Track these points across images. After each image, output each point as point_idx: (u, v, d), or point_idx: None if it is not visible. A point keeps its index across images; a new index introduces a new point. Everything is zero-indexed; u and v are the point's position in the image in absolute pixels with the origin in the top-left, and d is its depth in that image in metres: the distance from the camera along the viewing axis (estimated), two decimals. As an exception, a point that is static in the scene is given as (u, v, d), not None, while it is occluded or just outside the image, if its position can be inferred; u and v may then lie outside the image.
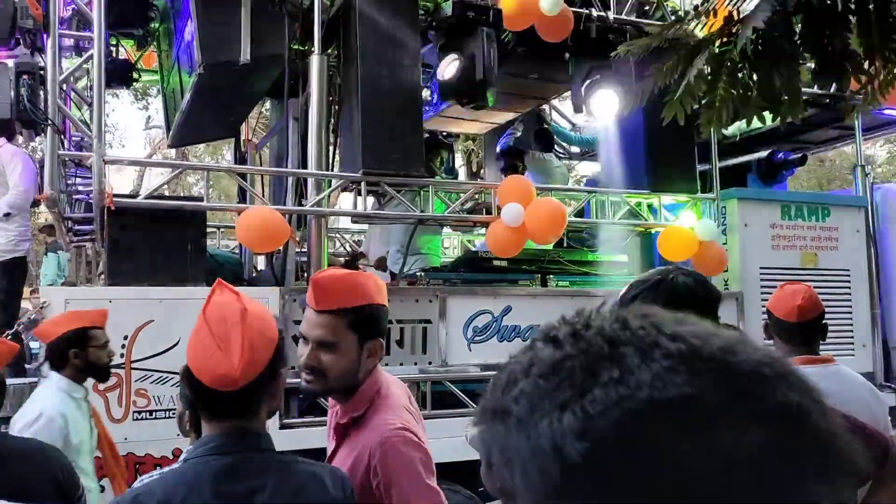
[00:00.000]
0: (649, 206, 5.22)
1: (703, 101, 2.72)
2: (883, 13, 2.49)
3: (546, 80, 5.60)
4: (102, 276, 4.23)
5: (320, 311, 1.81)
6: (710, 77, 2.65)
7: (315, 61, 4.36)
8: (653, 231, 5.38)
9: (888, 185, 6.34)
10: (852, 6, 2.52)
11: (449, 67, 4.64)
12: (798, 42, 2.62)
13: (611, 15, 4.92)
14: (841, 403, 2.07)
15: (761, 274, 5.44)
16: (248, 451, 1.45)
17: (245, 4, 4.29)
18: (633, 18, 5.06)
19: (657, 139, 5.13)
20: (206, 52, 4.21)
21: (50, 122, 3.64)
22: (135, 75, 5.22)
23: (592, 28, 4.85)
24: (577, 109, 5.14)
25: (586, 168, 10.49)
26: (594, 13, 4.90)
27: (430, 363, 4.40)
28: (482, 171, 8.71)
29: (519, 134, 6.21)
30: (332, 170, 4.46)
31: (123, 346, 3.73)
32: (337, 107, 4.95)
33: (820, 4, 2.46)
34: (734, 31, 2.53)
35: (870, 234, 5.94)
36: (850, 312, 5.78)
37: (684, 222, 5.17)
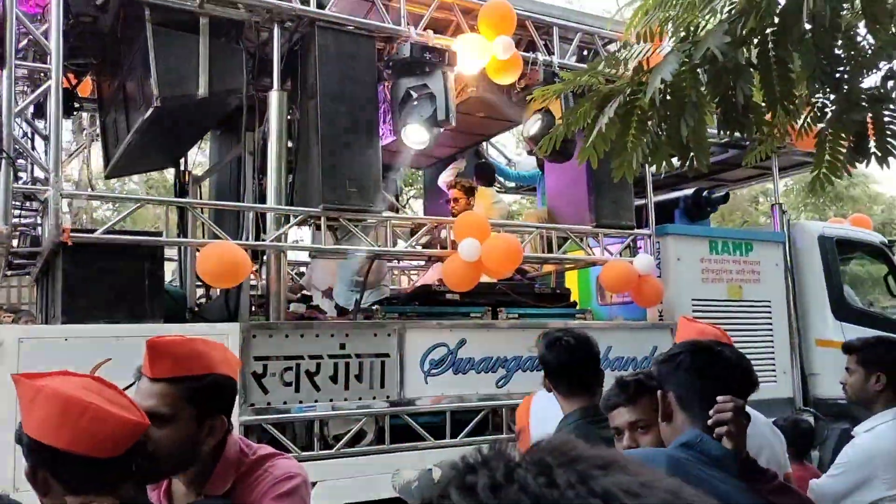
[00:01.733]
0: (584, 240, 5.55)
1: (615, 147, 2.85)
2: (783, 69, 2.61)
3: (492, 119, 5.87)
4: (48, 313, 4.14)
5: (154, 380, 1.66)
6: (620, 124, 2.77)
7: (274, 97, 4.46)
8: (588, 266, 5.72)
9: (803, 223, 6.94)
10: (755, 61, 2.67)
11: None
12: (704, 93, 2.73)
13: (555, 59, 5.25)
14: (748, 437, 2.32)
15: (693, 305, 5.84)
16: None
17: (203, 39, 4.36)
18: (573, 63, 5.41)
19: (598, 176, 5.47)
20: (165, 85, 4.24)
21: (5, 154, 3.58)
22: (75, 104, 5.15)
23: (539, 72, 5.16)
24: (530, 151, 5.44)
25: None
26: (540, 57, 5.21)
27: (387, 397, 4.51)
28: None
29: (462, 169, 6.45)
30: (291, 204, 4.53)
31: (79, 385, 3.67)
32: (290, 142, 5.05)
33: (725, 59, 2.57)
34: (644, 80, 2.67)
35: (787, 268, 6.48)
36: (772, 341, 6.27)
37: (619, 257, 5.52)
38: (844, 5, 2.62)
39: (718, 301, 5.98)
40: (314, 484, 3.62)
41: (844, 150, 2.88)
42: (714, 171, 7.61)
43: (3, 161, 3.59)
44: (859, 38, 2.80)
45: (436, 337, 4.67)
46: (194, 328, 4.06)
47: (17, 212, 4.59)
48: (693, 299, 5.85)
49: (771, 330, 6.28)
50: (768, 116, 2.83)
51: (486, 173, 6.75)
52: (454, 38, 4.92)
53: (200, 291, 5.62)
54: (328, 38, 4.55)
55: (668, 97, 2.68)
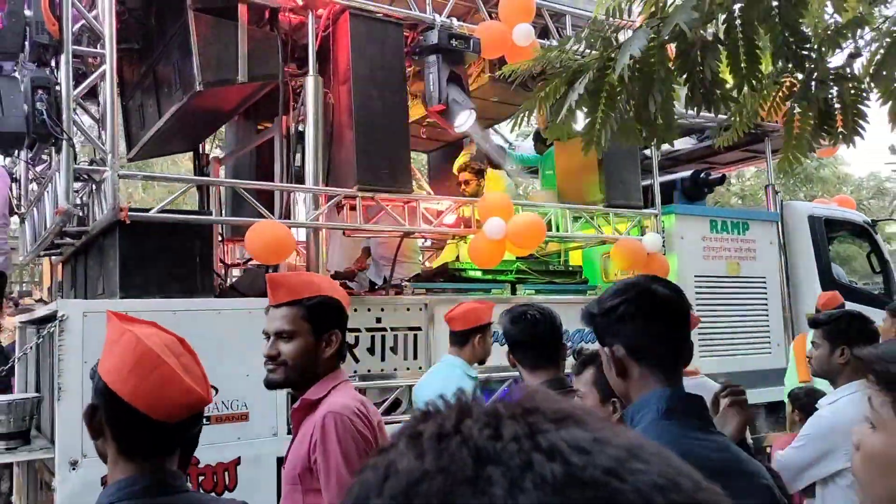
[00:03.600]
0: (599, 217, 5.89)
1: (584, 124, 2.86)
2: (750, 46, 2.61)
3: (505, 104, 6.15)
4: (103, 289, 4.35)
5: (277, 305, 2.04)
6: (590, 100, 2.77)
7: (310, 82, 4.68)
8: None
9: (794, 203, 7.37)
10: (722, 37, 2.66)
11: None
12: (672, 69, 2.73)
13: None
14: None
15: (695, 281, 6.23)
16: (179, 492, 1.45)
17: (241, 26, 4.56)
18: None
19: (608, 158, 5.79)
20: (207, 70, 4.45)
21: (66, 136, 3.78)
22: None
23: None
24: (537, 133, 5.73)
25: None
26: (555, 44, 5.49)
27: (419, 367, 4.80)
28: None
29: (473, 153, 6.73)
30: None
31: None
32: (303, 127, 5.29)
33: (692, 35, 2.55)
34: (613, 56, 2.66)
35: (781, 246, 6.90)
36: (767, 315, 6.69)
37: (628, 235, 5.87)
38: None
39: (718, 277, 6.37)
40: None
41: (811, 129, 2.90)
42: (708, 154, 8.00)
43: (65, 143, 3.78)
44: (826, 16, 2.87)
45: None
46: (238, 302, 4.30)
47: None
48: (695, 276, 6.23)
49: (766, 304, 6.70)
50: (735, 93, 2.86)
51: (487, 158, 7.02)
52: (476, 25, 5.17)
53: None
54: (359, 25, 4.78)
55: (637, 73, 2.69)
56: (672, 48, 2.77)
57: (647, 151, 6.36)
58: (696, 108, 2.79)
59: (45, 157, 5.72)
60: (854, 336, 2.84)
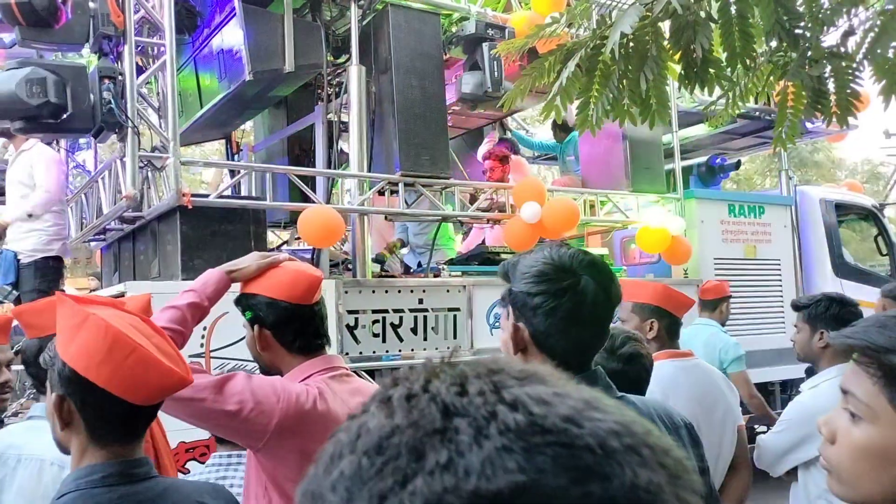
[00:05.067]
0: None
1: (578, 102, 2.82)
2: (743, 24, 2.58)
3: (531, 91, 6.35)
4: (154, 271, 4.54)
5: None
6: (584, 78, 2.74)
7: (354, 71, 4.88)
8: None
9: (806, 188, 7.64)
10: (715, 14, 2.62)
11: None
12: (665, 47, 2.70)
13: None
14: (702, 394, 2.71)
15: (715, 263, 6.49)
16: (149, 478, 1.42)
17: (288, 16, 4.75)
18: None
19: (633, 145, 6.03)
20: (256, 60, 4.63)
21: (131, 124, 3.97)
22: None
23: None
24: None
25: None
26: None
27: (459, 347, 5.03)
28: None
29: (496, 140, 6.95)
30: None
31: (203, 337, 4.11)
32: (338, 116, 5.49)
33: (685, 11, 2.53)
34: (606, 34, 2.61)
35: (794, 229, 7.18)
36: (781, 296, 6.97)
37: (653, 219, 6.11)
38: None
39: (736, 259, 6.64)
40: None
41: (804, 108, 2.87)
42: (721, 141, 8.27)
43: (130, 131, 3.97)
44: None
45: (498, 293, 5.18)
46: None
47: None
48: (714, 258, 6.49)
49: (780, 286, 6.98)
50: (728, 71, 2.84)
51: (511, 146, 7.25)
52: (509, 15, 5.38)
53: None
54: (400, 15, 4.98)
55: (629, 51, 2.67)
56: (666, 27, 2.76)
57: (667, 137, 6.60)
58: (689, 87, 2.78)
59: (82, 144, 5.90)
60: (832, 319, 2.77)
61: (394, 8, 4.94)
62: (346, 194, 4.92)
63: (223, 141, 6.59)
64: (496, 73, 5.21)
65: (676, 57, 2.77)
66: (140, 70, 4.37)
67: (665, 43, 2.72)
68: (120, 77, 3.99)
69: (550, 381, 0.46)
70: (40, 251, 4.79)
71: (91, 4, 3.99)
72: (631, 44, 2.66)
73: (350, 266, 5.29)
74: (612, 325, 1.53)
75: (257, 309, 1.90)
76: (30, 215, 4.74)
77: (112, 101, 3.86)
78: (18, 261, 4.77)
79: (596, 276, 1.42)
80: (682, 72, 2.79)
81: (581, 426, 0.42)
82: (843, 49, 2.81)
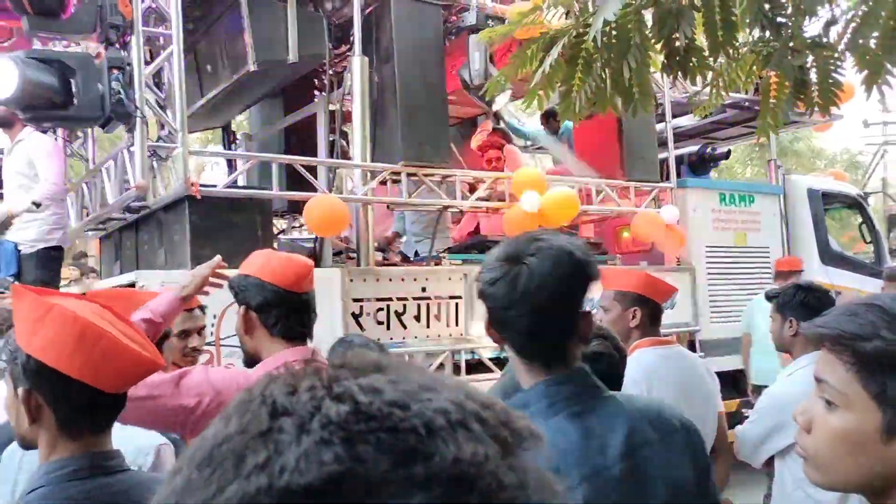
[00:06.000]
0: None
1: (561, 91, 2.81)
2: (726, 13, 2.57)
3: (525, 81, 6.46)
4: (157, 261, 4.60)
5: None
6: (567, 67, 2.72)
7: (357, 61, 4.94)
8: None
9: (794, 177, 7.84)
10: (697, 3, 2.61)
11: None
12: (649, 35, 2.69)
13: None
14: (684, 381, 2.73)
15: (706, 251, 6.66)
16: (119, 471, 1.41)
17: (291, 6, 4.81)
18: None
19: (628, 135, 6.17)
20: (261, 50, 4.70)
21: (140, 114, 4.02)
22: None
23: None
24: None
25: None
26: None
27: (461, 334, 5.15)
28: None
29: (490, 130, 7.05)
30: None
31: (213, 325, 4.19)
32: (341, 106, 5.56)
33: (668, 0, 2.52)
34: (589, 23, 2.60)
35: (783, 217, 7.37)
36: (771, 283, 7.15)
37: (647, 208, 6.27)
38: None
39: (727, 247, 6.81)
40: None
41: (786, 97, 2.88)
42: (709, 130, 8.45)
43: (139, 121, 4.02)
44: None
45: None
46: (301, 274, 4.59)
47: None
48: (706, 246, 6.66)
49: (770, 273, 7.16)
50: (711, 61, 2.85)
51: (504, 135, 7.35)
52: (507, 7, 5.47)
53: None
54: (402, 6, 5.05)
55: (613, 39, 2.66)
56: (650, 15, 2.76)
57: (660, 126, 6.75)
58: (672, 76, 2.89)
59: (79, 134, 5.92)
60: (801, 307, 2.78)
61: (396, -1, 5.02)
62: (349, 182, 5.00)
63: (219, 130, 6.63)
64: (484, 63, 5.29)
65: (659, 46, 2.78)
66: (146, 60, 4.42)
67: (648, 32, 2.73)
68: (128, 67, 4.04)
69: (396, 371, 0.45)
70: (41, 241, 4.81)
71: (99, -6, 4.02)
72: (614, 32, 2.65)
73: (351, 255, 5.38)
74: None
75: (246, 290, 1.96)
76: (38, 205, 4.74)
77: (121, 92, 3.91)
78: (19, 251, 4.80)
79: (542, 260, 1.31)
80: (665, 61, 2.81)
81: (407, 408, 0.42)
82: (825, 39, 2.84)
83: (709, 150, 7.52)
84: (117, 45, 4.18)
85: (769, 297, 3.22)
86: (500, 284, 1.31)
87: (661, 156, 6.81)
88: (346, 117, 5.45)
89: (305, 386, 0.44)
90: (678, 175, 7.15)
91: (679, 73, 2.84)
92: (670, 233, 6.12)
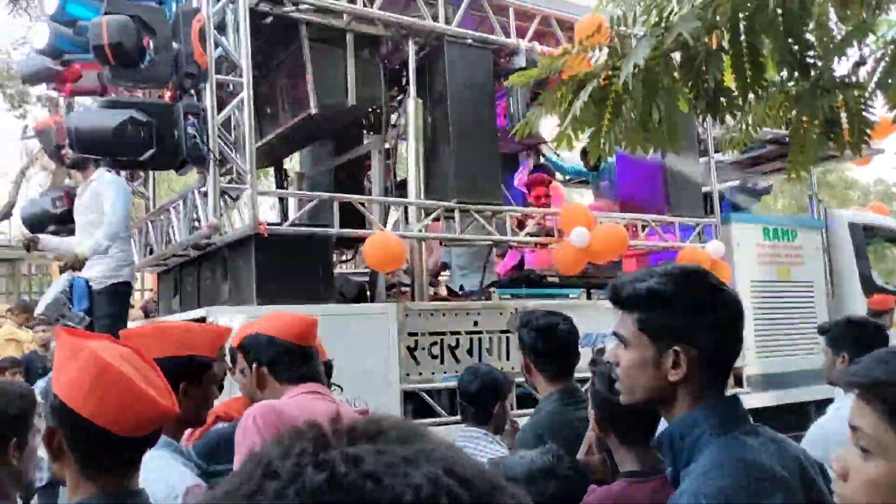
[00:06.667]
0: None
1: (590, 131, 2.88)
2: (754, 54, 2.62)
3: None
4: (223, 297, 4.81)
5: None
6: (595, 108, 2.79)
7: (411, 104, 5.18)
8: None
9: (835, 211, 7.92)
10: (725, 45, 2.68)
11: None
12: (677, 78, 2.75)
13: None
14: None
15: (751, 286, 6.75)
16: None
17: (350, 53, 5.06)
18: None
19: (672, 170, 6.31)
20: (321, 94, 4.94)
21: (213, 156, 4.27)
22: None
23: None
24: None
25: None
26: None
27: (512, 368, 5.28)
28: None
29: (532, 167, 7.24)
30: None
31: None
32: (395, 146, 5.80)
33: (696, 43, 2.59)
34: (618, 65, 2.70)
35: (825, 251, 7.44)
36: (815, 318, 7.20)
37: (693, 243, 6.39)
38: None
39: (771, 282, 6.90)
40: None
41: (817, 137, 2.92)
42: (749, 165, 8.57)
43: (212, 164, 4.27)
44: (830, 24, 2.87)
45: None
46: (360, 308, 4.79)
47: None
48: (751, 280, 6.75)
49: (813, 307, 7.22)
50: (740, 101, 2.90)
51: (546, 170, 7.54)
52: (554, 49, 5.69)
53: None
54: (455, 50, 5.29)
55: (641, 82, 2.71)
56: (677, 56, 2.82)
57: (703, 160, 6.89)
58: (701, 117, 2.96)
59: (140, 174, 6.20)
60: (853, 342, 2.79)
61: (449, 43, 5.25)
62: (394, 216, 5.20)
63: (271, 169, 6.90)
64: (522, 104, 5.47)
65: (688, 88, 2.84)
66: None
67: (676, 73, 2.80)
68: (202, 113, 4.29)
69: (390, 438, 0.47)
70: (111, 277, 5.04)
71: (174, 45, 4.29)
72: (642, 75, 2.71)
73: (402, 289, 5.57)
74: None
75: (258, 347, 2.23)
76: (107, 248, 4.96)
77: (197, 137, 4.15)
78: (90, 287, 5.04)
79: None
80: (694, 101, 2.88)
81: (380, 482, 0.43)
82: (854, 78, 2.91)
83: (750, 184, 7.64)
84: (191, 92, 4.44)
85: (822, 331, 3.25)
86: None
87: (706, 190, 6.95)
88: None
89: (296, 450, 0.47)
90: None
91: (708, 113, 2.93)
92: (716, 268, 6.22)
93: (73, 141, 4.26)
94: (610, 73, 2.78)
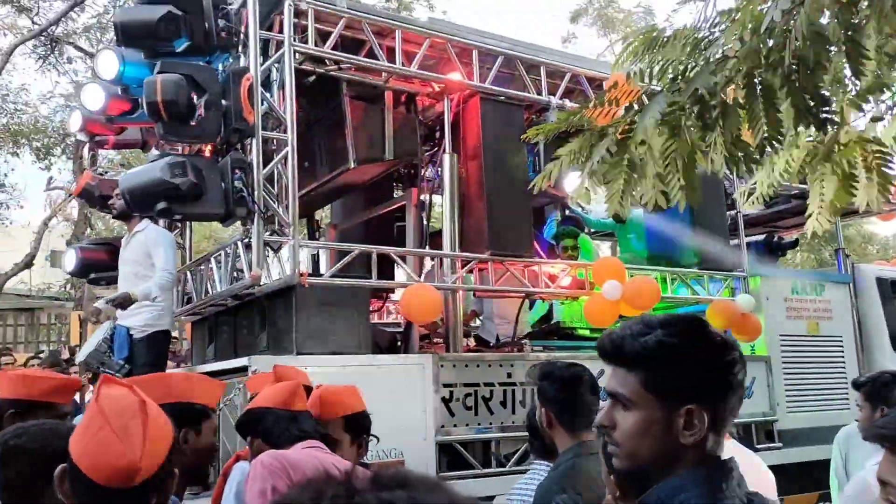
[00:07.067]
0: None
1: (607, 184, 2.88)
2: (769, 107, 2.62)
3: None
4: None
5: None
6: (613, 162, 2.81)
7: (446, 159, 5.34)
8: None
9: (863, 266, 7.97)
10: (741, 100, 2.68)
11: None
12: (694, 132, 2.74)
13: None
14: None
15: (780, 340, 6.77)
16: None
17: (388, 110, 5.26)
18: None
19: (701, 224, 6.42)
20: (360, 149, 5.12)
21: (258, 209, 4.41)
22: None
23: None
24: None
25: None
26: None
27: (545, 420, 5.31)
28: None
29: (559, 219, 7.38)
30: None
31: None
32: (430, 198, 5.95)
33: (711, 98, 2.60)
34: (635, 119, 2.72)
35: (853, 306, 7.47)
36: (844, 372, 7.20)
37: (723, 296, 6.45)
38: (831, 48, 2.61)
39: (800, 336, 6.92)
40: (491, 498, 4.43)
41: (835, 191, 2.93)
42: (774, 219, 8.67)
43: (257, 216, 4.41)
44: (846, 80, 2.87)
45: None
46: (396, 358, 4.87)
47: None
48: (780, 335, 6.78)
49: (843, 362, 7.22)
50: (758, 155, 2.88)
51: (574, 222, 7.67)
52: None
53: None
54: (488, 107, 5.47)
55: (659, 136, 2.73)
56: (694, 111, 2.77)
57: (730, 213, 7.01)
58: (719, 170, 2.82)
59: (178, 224, 6.37)
60: (890, 395, 2.81)
61: (483, 100, 5.44)
62: (425, 270, 5.31)
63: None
64: (543, 158, 5.60)
65: (704, 142, 2.81)
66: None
67: (692, 127, 2.76)
68: (248, 167, 4.46)
69: (421, 489, 0.49)
70: (152, 326, 5.16)
71: (223, 102, 4.48)
72: (659, 128, 2.70)
73: (434, 339, 5.65)
74: None
75: (250, 422, 2.59)
76: (154, 298, 5.08)
77: (244, 190, 4.31)
78: (131, 336, 5.15)
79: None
80: (711, 155, 2.83)
81: None
82: (872, 134, 2.95)
83: (776, 238, 7.73)
84: (237, 147, 4.62)
85: (857, 386, 3.27)
86: None
87: (734, 243, 7.04)
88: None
89: (329, 495, 0.48)
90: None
91: (725, 167, 2.89)
92: (747, 321, 6.26)
93: (131, 196, 4.42)
94: (627, 126, 2.81)
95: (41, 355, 12.28)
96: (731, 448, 2.68)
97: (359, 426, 2.95)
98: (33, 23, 17.51)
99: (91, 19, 18.26)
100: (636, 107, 2.86)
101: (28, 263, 17.18)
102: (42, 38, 17.69)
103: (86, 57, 18.61)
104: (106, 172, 17.53)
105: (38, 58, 18.07)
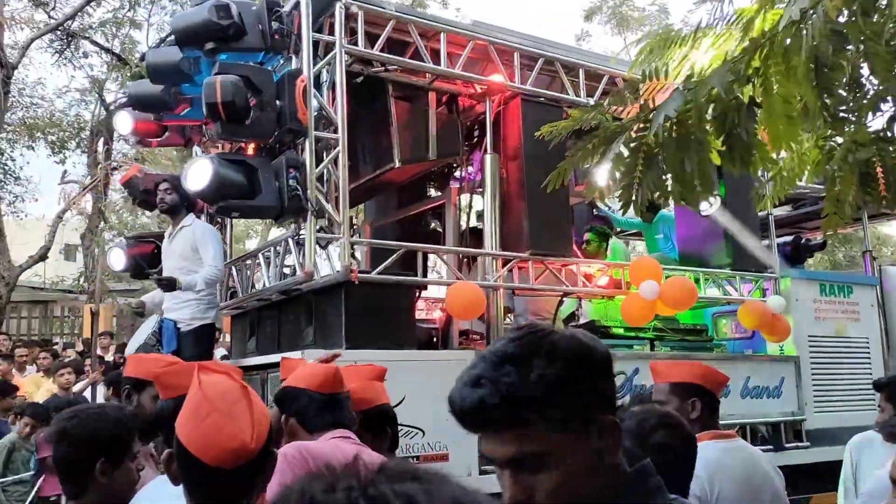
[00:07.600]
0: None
1: (621, 183, 2.91)
2: (786, 107, 2.63)
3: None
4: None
5: None
6: (627, 160, 2.84)
7: (488, 159, 5.48)
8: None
9: (889, 268, 8.09)
10: (758, 99, 2.68)
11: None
12: (709, 130, 2.75)
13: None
14: (749, 475, 2.66)
15: (809, 341, 6.90)
16: None
17: (431, 110, 5.40)
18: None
19: (731, 222, 6.54)
20: (404, 149, 5.27)
21: (312, 208, 4.56)
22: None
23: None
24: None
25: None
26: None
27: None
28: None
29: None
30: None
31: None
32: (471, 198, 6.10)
33: (728, 96, 2.60)
34: (650, 117, 2.73)
35: (880, 308, 7.59)
36: (871, 374, 7.32)
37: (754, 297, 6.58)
38: (848, 47, 2.60)
39: (829, 337, 7.05)
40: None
41: (853, 192, 2.94)
42: (801, 221, 8.79)
43: (310, 215, 4.56)
44: (863, 80, 2.86)
45: (616, 367, 5.62)
46: (440, 354, 5.01)
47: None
48: (809, 335, 6.90)
49: (870, 364, 7.34)
50: (773, 154, 2.91)
51: (604, 221, 7.80)
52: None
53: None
54: (529, 108, 5.60)
55: (673, 134, 2.75)
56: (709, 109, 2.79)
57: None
58: (734, 169, 2.81)
59: (218, 220, 6.53)
60: None
61: (524, 102, 5.57)
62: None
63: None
64: None
65: (720, 141, 2.83)
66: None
67: (708, 126, 2.79)
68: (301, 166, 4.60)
69: (433, 481, 0.50)
70: (198, 319, 5.33)
71: (278, 103, 4.63)
72: (674, 126, 2.75)
73: (473, 335, 5.79)
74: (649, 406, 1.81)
75: (286, 399, 2.53)
76: (199, 291, 5.25)
77: (298, 189, 4.45)
78: (178, 329, 5.32)
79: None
80: (726, 153, 2.84)
81: None
82: (889, 133, 2.93)
83: (804, 240, 7.85)
84: (290, 147, 4.77)
85: (878, 387, 3.38)
86: None
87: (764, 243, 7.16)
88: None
89: (342, 485, 0.49)
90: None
91: (739, 165, 2.88)
92: (777, 322, 6.39)
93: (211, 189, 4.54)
94: (642, 124, 2.87)
95: (55, 347, 12.46)
96: (736, 445, 2.86)
97: (379, 421, 2.96)
98: (50, 17, 17.70)
99: (107, 14, 18.48)
100: (652, 104, 2.91)
101: (42, 256, 17.40)
102: (58, 33, 17.90)
103: (101, 52, 18.83)
104: (120, 167, 17.76)
105: (55, 52, 18.28)
